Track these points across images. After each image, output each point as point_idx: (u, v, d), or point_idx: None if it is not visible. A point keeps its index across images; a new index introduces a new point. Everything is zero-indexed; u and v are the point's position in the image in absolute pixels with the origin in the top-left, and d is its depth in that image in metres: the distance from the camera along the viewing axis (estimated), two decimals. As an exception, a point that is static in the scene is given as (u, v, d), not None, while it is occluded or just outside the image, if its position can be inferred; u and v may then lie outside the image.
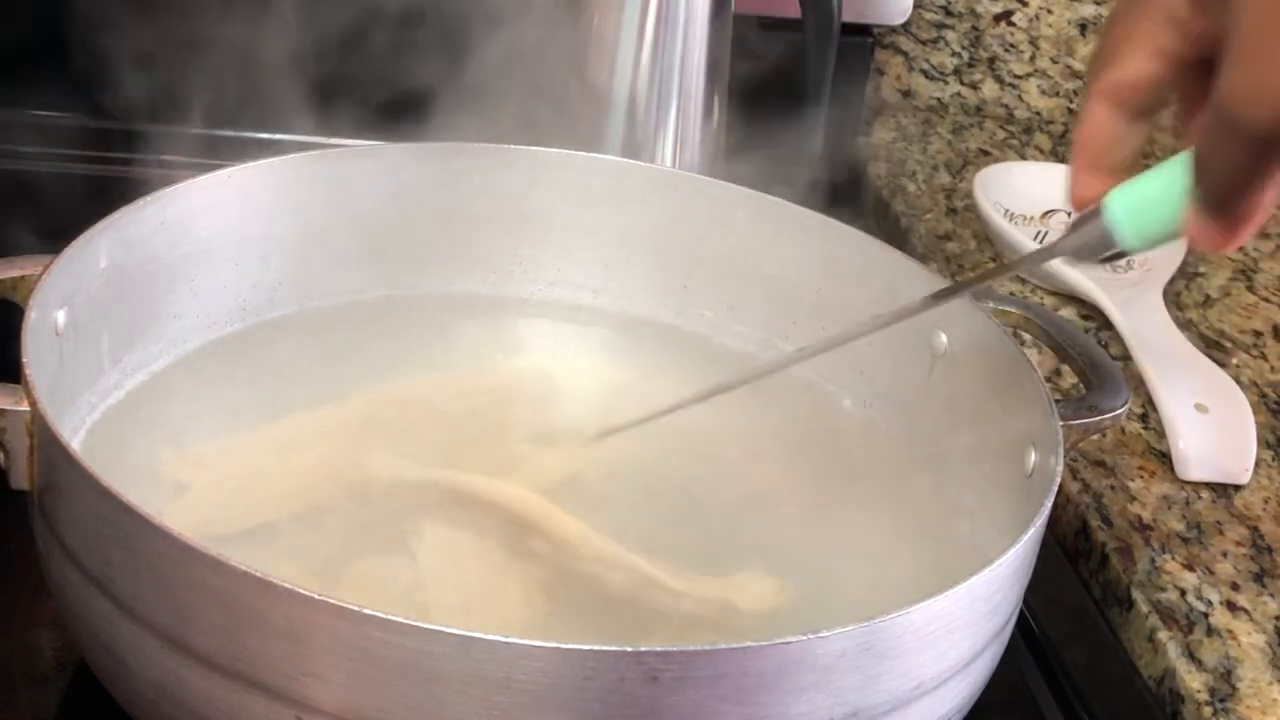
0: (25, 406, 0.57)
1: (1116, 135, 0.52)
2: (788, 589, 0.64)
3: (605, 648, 0.48)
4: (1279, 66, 0.45)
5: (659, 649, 0.48)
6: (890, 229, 1.09)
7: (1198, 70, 0.50)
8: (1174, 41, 0.49)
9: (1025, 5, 1.23)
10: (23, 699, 0.63)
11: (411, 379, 0.77)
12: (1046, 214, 1.07)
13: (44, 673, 0.64)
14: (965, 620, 0.55)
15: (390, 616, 0.48)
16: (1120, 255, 0.55)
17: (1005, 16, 1.23)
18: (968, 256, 1.04)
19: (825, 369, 0.79)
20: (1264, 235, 1.12)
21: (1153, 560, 0.75)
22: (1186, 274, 1.04)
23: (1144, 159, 0.55)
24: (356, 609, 0.48)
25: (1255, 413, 0.85)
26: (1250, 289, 1.04)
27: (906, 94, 1.25)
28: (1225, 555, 0.76)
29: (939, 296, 0.65)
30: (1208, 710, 0.67)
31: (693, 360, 0.81)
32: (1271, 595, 0.74)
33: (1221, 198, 0.49)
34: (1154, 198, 0.53)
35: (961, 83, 1.25)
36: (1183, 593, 0.74)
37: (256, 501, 0.67)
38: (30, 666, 0.64)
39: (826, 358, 0.79)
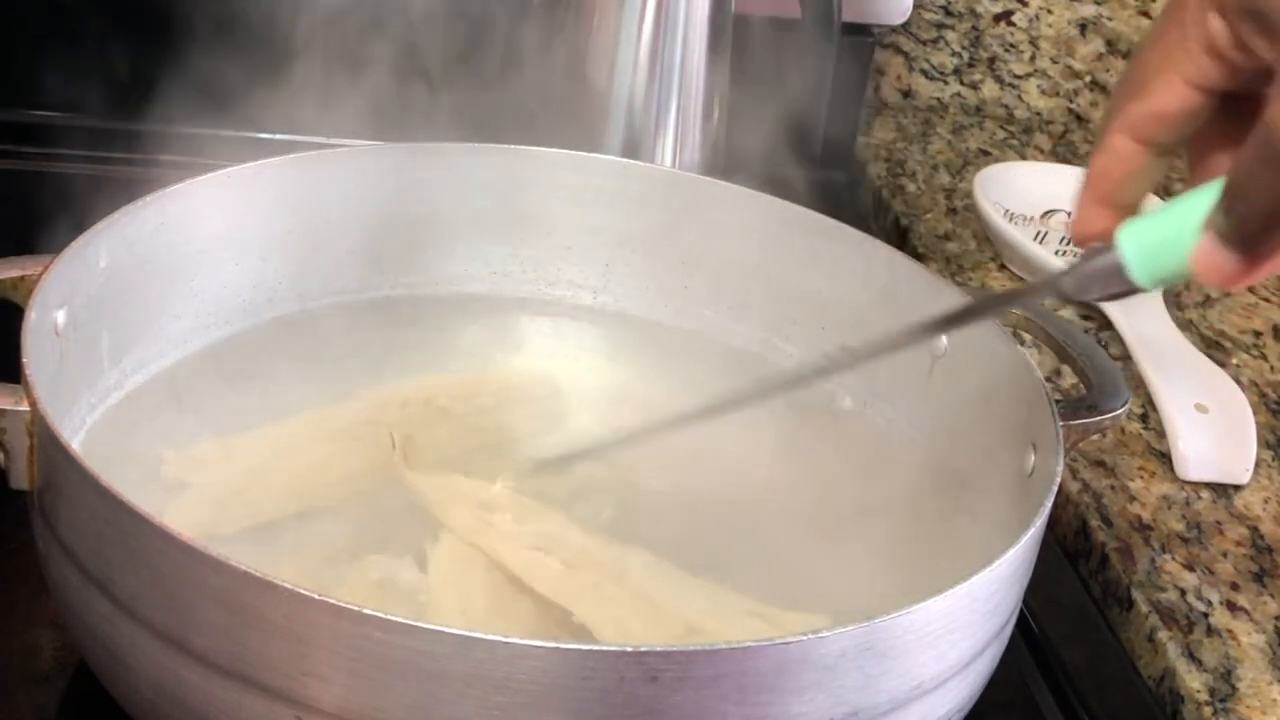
0: (25, 406, 0.57)
1: (1136, 170, 0.50)
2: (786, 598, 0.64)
3: (605, 648, 0.48)
4: None
5: (659, 649, 0.48)
6: (890, 229, 1.09)
7: (1226, 106, 0.47)
8: (1213, 73, 0.47)
9: (1025, 5, 1.23)
10: (23, 699, 0.63)
11: (413, 379, 0.77)
12: (1046, 214, 1.07)
13: (44, 673, 0.64)
14: (965, 620, 0.55)
15: (390, 616, 0.48)
16: (1128, 293, 0.53)
17: (1005, 16, 1.23)
18: (968, 256, 1.04)
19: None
20: (1264, 235, 1.11)
21: (1153, 560, 0.75)
22: (1186, 274, 1.04)
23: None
24: (356, 609, 0.48)
25: (1255, 413, 0.85)
26: (1250, 289, 1.04)
27: (906, 94, 1.25)
28: (1225, 555, 0.76)
29: (949, 322, 0.61)
30: (1208, 710, 0.67)
31: (693, 360, 0.81)
32: (1271, 595, 0.74)
33: (1252, 231, 0.46)
34: (1167, 235, 0.50)
35: (961, 83, 1.25)
36: (1183, 593, 0.74)
37: (257, 501, 0.67)
38: (30, 666, 0.64)
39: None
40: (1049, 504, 0.59)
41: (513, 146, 0.82)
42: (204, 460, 0.68)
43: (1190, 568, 0.75)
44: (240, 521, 0.65)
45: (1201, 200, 0.49)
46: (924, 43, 1.23)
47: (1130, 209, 0.51)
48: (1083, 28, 1.24)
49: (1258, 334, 0.98)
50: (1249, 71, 0.46)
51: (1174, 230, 0.50)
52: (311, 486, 0.68)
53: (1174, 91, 0.47)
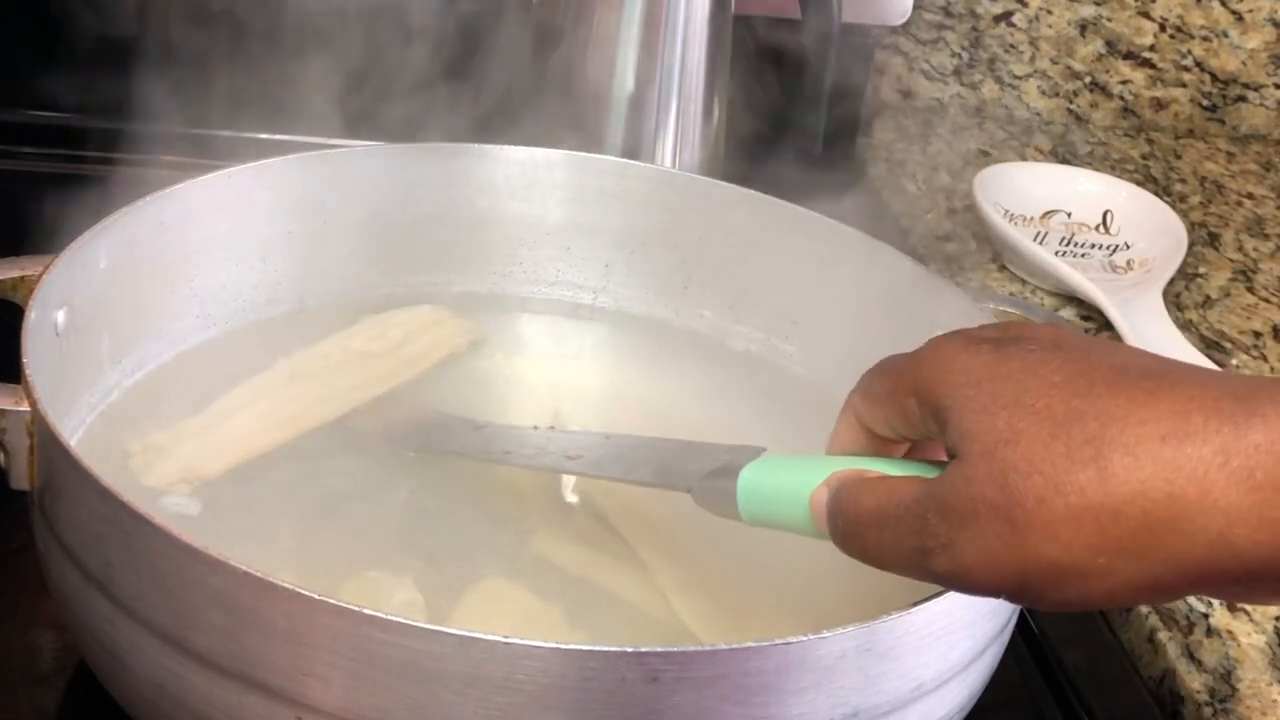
0: (25, 406, 0.57)
1: (858, 444, 0.53)
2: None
3: (605, 648, 0.48)
4: (949, 545, 0.45)
5: (659, 649, 0.48)
6: (890, 229, 1.09)
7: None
8: (908, 433, 0.50)
9: (1025, 5, 1.23)
10: (23, 699, 0.63)
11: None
12: (1046, 214, 1.07)
13: (44, 673, 0.64)
14: (965, 620, 0.55)
15: (390, 617, 0.48)
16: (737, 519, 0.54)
17: (1005, 17, 1.23)
18: (968, 257, 1.04)
19: (823, 368, 0.79)
20: (1264, 236, 1.12)
21: (1153, 560, 0.75)
22: (1186, 274, 1.04)
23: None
24: (357, 609, 0.48)
25: (1255, 413, 0.85)
26: (1250, 289, 1.04)
27: (906, 94, 1.25)
28: (1225, 555, 0.76)
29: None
30: (1208, 711, 0.67)
31: (693, 360, 0.81)
32: (1271, 595, 0.74)
33: (844, 541, 0.49)
34: (782, 489, 0.52)
35: (961, 83, 1.25)
36: (1183, 593, 0.73)
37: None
38: (30, 666, 0.64)
39: (823, 357, 0.79)
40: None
41: (513, 146, 0.82)
42: (173, 443, 0.68)
43: (1190, 568, 0.75)
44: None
45: (827, 469, 0.50)
46: (924, 43, 1.23)
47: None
48: (1083, 28, 1.24)
49: (1258, 334, 0.98)
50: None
51: (789, 488, 0.51)
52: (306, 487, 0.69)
53: (880, 418, 0.51)
